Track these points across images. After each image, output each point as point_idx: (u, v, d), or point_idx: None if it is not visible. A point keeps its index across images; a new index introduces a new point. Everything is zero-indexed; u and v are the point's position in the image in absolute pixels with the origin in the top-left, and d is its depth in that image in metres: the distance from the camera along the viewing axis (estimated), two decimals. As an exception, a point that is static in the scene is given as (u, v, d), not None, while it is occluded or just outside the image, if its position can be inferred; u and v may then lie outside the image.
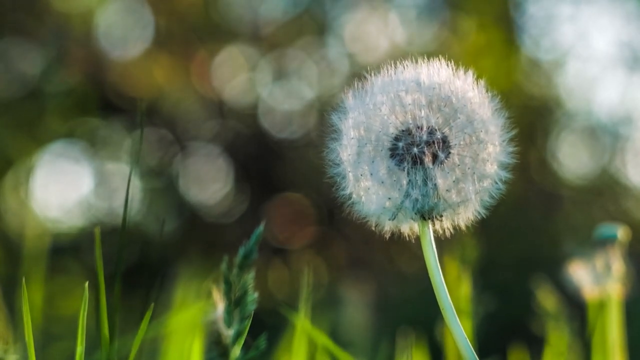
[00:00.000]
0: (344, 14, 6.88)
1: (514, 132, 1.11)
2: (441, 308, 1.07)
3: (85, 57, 6.20)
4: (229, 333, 1.19)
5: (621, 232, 1.77)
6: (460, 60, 1.11)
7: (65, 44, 6.10)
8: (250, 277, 1.20)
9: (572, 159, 6.75)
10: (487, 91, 1.10)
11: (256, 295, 1.21)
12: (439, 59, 1.10)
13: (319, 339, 1.44)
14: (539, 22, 6.92)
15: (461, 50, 6.58)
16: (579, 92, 6.91)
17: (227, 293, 1.20)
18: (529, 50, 7.06)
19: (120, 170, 6.44)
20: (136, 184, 6.21)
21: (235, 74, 6.55)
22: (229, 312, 1.19)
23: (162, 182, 6.49)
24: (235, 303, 1.19)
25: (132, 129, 6.39)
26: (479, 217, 1.10)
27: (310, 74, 6.64)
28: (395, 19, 6.88)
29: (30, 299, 2.09)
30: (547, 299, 1.94)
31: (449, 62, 1.10)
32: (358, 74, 1.12)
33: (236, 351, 1.17)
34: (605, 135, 6.65)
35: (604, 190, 6.55)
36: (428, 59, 1.10)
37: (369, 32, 6.70)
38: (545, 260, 5.26)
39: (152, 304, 1.16)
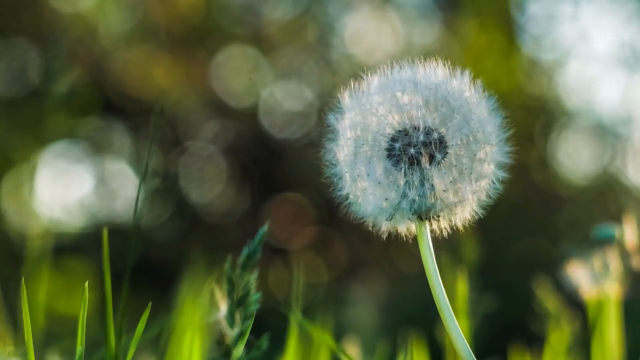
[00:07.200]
0: (345, 14, 6.88)
1: (511, 132, 1.11)
2: (438, 308, 1.07)
3: (86, 57, 6.20)
4: (231, 333, 1.20)
5: (619, 232, 1.77)
6: (461, 60, 1.11)
7: (66, 43, 6.11)
8: (253, 277, 1.20)
9: (572, 159, 6.75)
10: (484, 91, 1.10)
11: (259, 295, 1.21)
12: (438, 60, 1.10)
13: (320, 337, 1.45)
14: (539, 22, 6.92)
15: (462, 50, 6.58)
16: (580, 92, 6.91)
17: (230, 293, 1.20)
18: (530, 50, 7.06)
19: (121, 170, 6.44)
20: (136, 184, 6.21)
21: (235, 74, 6.56)
22: (231, 312, 1.20)
23: (163, 183, 6.49)
24: (238, 303, 1.19)
25: (133, 129, 6.40)
26: (478, 218, 1.10)
27: (311, 74, 6.65)
28: (396, 19, 6.88)
29: (34, 299, 2.09)
30: (547, 299, 1.94)
31: (446, 62, 1.10)
32: (358, 74, 1.12)
33: (238, 351, 1.18)
34: (606, 135, 6.65)
35: (605, 191, 6.55)
36: (429, 59, 1.10)
37: (370, 32, 6.70)
38: (545, 260, 5.26)
39: (150, 304, 1.16)
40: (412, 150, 1.06)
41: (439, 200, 1.07)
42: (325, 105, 1.11)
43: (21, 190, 5.80)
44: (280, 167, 6.51)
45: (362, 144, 1.08)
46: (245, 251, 1.20)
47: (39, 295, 2.13)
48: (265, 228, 1.19)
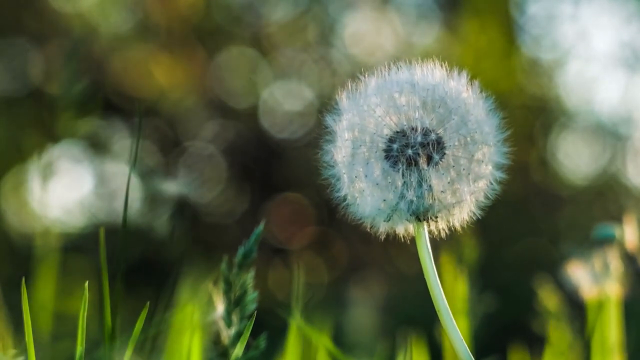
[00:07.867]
0: (345, 14, 6.88)
1: (510, 132, 1.11)
2: (437, 309, 1.07)
3: (86, 57, 6.20)
4: (229, 333, 1.20)
5: (619, 232, 1.77)
6: (461, 61, 1.11)
7: (66, 43, 6.11)
8: (249, 277, 1.20)
9: (572, 159, 6.75)
10: (482, 91, 1.10)
11: (256, 294, 1.21)
12: (438, 60, 1.10)
13: (317, 339, 1.44)
14: (539, 22, 6.92)
15: (462, 50, 6.58)
16: (580, 92, 6.91)
17: (227, 293, 1.20)
18: (530, 50, 7.06)
19: (121, 170, 6.44)
20: (136, 184, 6.21)
21: (235, 74, 6.56)
22: (229, 311, 1.19)
23: (163, 183, 6.49)
24: (235, 303, 1.19)
25: (133, 129, 6.40)
26: (477, 218, 1.10)
27: (311, 74, 6.65)
28: (396, 19, 6.88)
29: (41, 299, 2.09)
30: (547, 299, 1.94)
31: (445, 63, 1.10)
32: (358, 75, 1.12)
33: (236, 351, 1.17)
34: (606, 135, 6.65)
35: (604, 191, 6.55)
36: (429, 60, 1.10)
37: (370, 32, 6.70)
38: (545, 260, 5.26)
39: (148, 303, 1.16)
40: (409, 151, 1.06)
41: (436, 201, 1.07)
42: (325, 105, 1.11)
43: (22, 191, 5.80)
44: (280, 167, 6.51)
45: (360, 145, 1.08)
46: (241, 251, 1.20)
47: (47, 295, 2.13)
48: (260, 228, 1.20)
